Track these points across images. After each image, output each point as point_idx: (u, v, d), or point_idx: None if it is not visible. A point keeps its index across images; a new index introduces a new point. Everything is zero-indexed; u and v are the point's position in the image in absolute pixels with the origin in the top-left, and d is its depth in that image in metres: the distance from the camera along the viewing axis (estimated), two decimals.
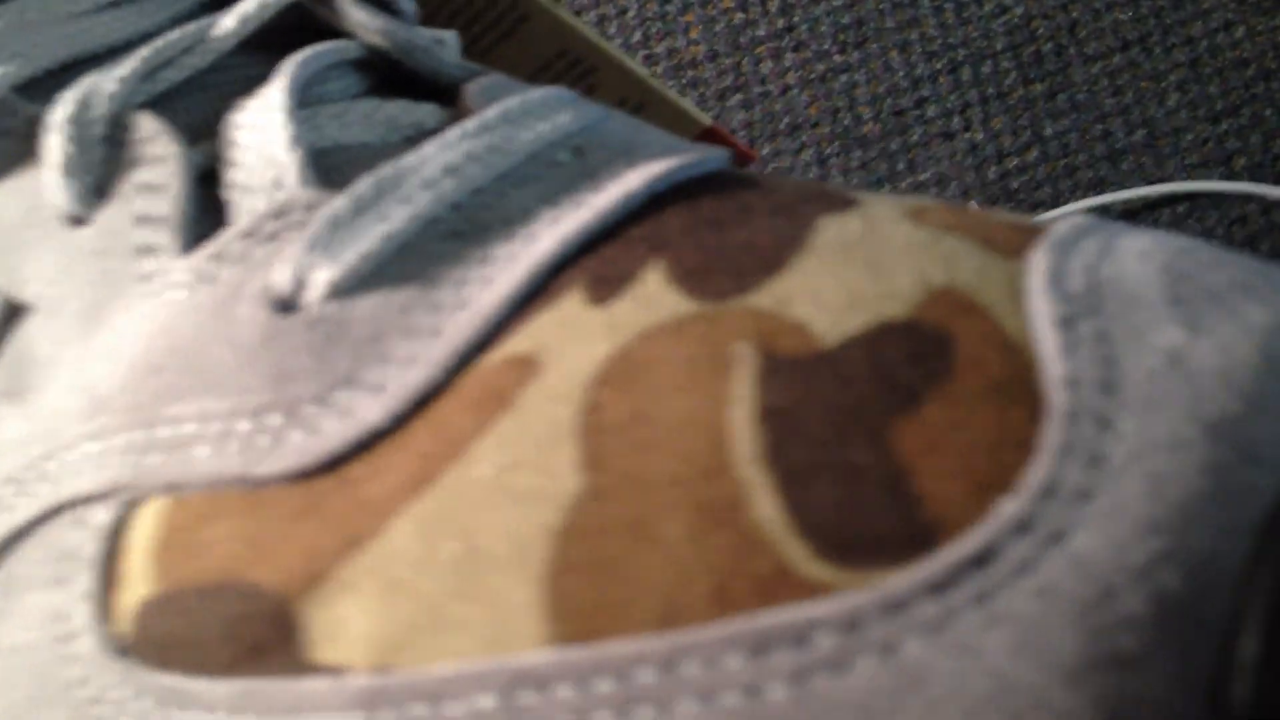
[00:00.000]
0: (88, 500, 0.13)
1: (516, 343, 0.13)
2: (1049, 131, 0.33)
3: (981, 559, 0.10)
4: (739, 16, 0.35)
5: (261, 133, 0.15)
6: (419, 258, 0.14)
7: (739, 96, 0.35)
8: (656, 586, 0.11)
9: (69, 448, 0.14)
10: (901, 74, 0.34)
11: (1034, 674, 0.09)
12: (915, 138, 0.33)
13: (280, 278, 0.13)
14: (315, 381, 0.13)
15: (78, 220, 0.15)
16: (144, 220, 0.14)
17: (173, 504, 0.13)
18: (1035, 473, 0.10)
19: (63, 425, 0.14)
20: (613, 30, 0.35)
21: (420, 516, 0.12)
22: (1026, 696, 0.09)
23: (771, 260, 0.12)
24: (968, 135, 0.33)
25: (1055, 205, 0.34)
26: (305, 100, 0.16)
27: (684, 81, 0.35)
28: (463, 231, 0.14)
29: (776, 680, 0.10)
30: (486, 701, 0.11)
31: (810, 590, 0.10)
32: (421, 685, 0.11)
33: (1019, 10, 0.33)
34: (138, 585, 0.13)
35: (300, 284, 0.13)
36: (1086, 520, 0.10)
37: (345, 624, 0.12)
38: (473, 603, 0.11)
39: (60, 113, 0.15)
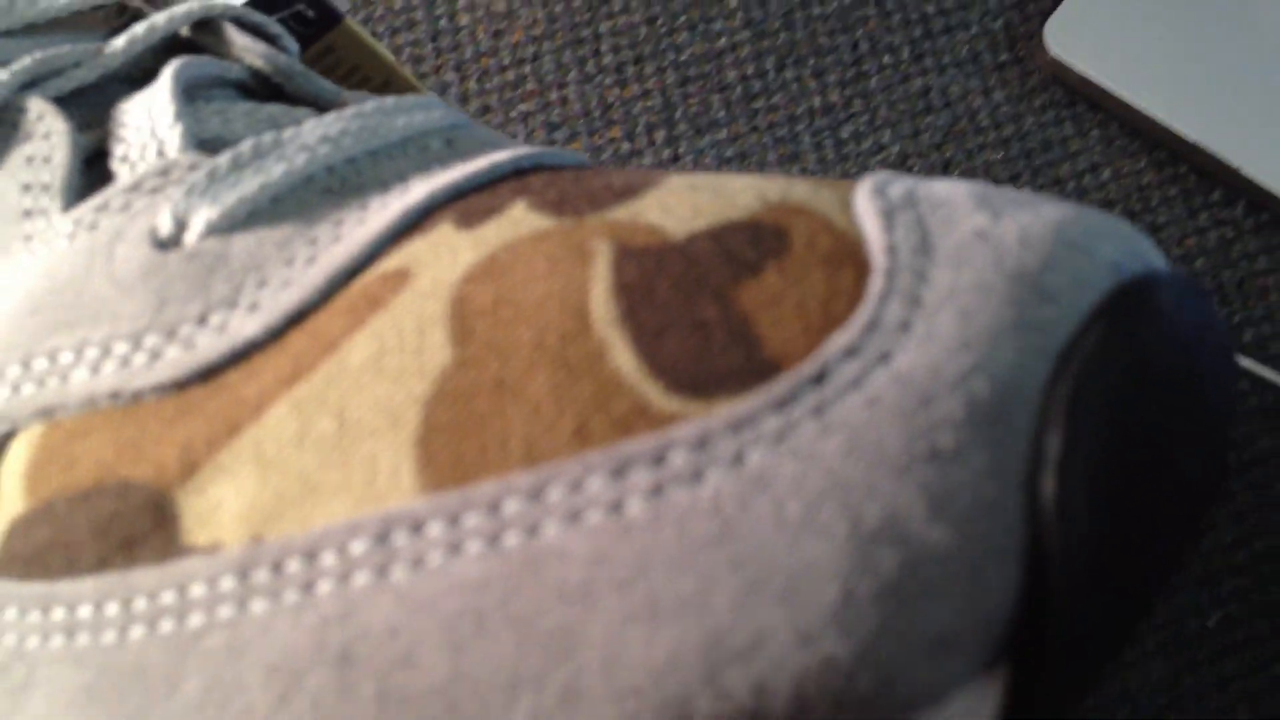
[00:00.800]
0: None
1: (390, 263, 0.13)
2: None
3: (818, 379, 0.11)
4: (625, 146, 0.35)
5: (146, 114, 0.15)
6: (297, 207, 0.14)
7: None
8: (522, 434, 0.11)
9: None
10: None
11: (865, 470, 0.11)
12: None
13: (161, 220, 0.14)
14: (193, 305, 0.13)
15: None
16: (29, 188, 0.15)
17: (46, 428, 0.13)
18: (862, 312, 0.11)
19: None
20: None
21: (294, 401, 0.12)
22: (859, 490, 0.11)
23: (625, 193, 0.14)
24: None
25: None
26: (191, 99, 0.16)
27: None
28: (338, 190, 0.15)
29: (636, 496, 0.11)
30: (360, 546, 0.11)
31: (665, 422, 0.11)
32: (295, 543, 0.12)
33: (895, 149, 0.34)
34: (7, 508, 0.13)
35: (180, 225, 0.14)
36: (907, 345, 0.11)
37: (220, 506, 0.12)
38: (346, 469, 0.12)
39: None
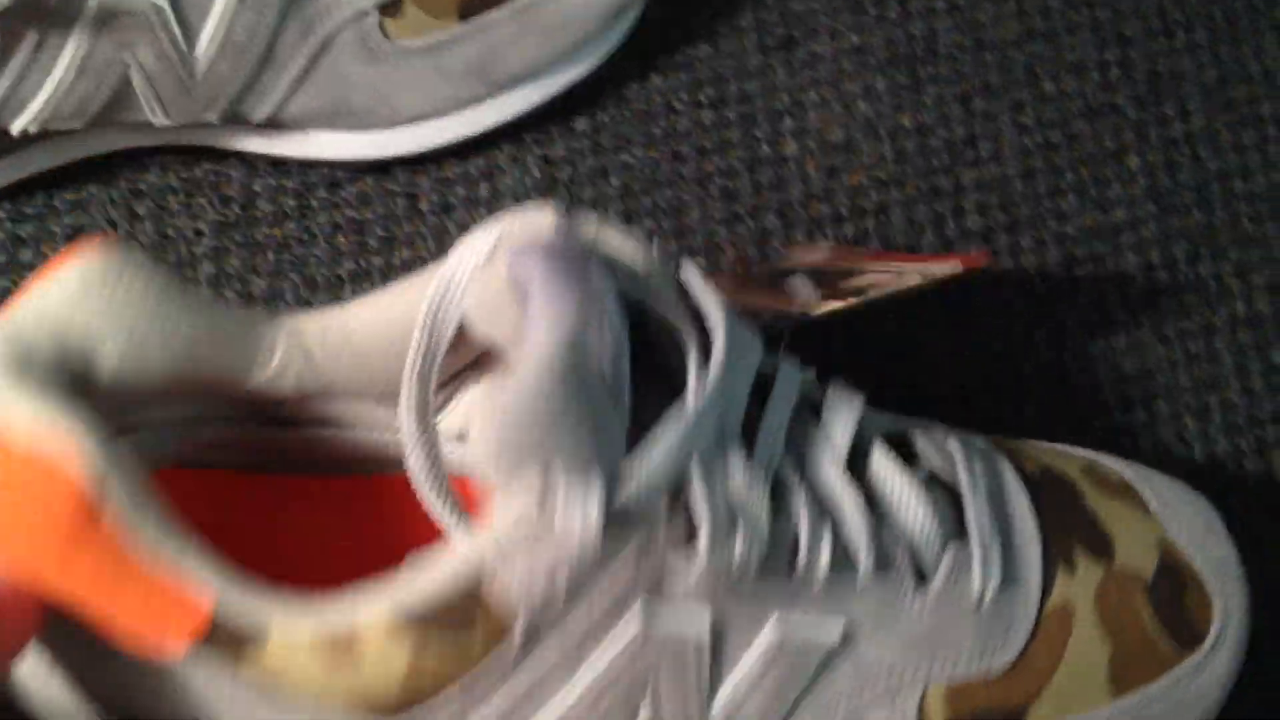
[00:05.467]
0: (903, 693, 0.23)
1: (1054, 601, 0.24)
2: None
3: (1214, 646, 0.24)
4: (992, 340, 0.29)
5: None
6: None
7: None
8: (1139, 657, 0.24)
9: (889, 672, 0.23)
10: None
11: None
12: None
13: (974, 585, 0.23)
14: (993, 639, 0.24)
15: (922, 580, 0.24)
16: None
17: (945, 687, 0.23)
18: (1209, 635, 0.24)
19: (878, 660, 0.23)
20: None
21: (1058, 684, 0.24)
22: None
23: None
24: None
25: None
26: None
27: None
28: None
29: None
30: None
31: (1174, 660, 0.24)
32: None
33: None
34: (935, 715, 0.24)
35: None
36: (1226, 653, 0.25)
37: (1041, 714, 0.24)
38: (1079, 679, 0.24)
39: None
